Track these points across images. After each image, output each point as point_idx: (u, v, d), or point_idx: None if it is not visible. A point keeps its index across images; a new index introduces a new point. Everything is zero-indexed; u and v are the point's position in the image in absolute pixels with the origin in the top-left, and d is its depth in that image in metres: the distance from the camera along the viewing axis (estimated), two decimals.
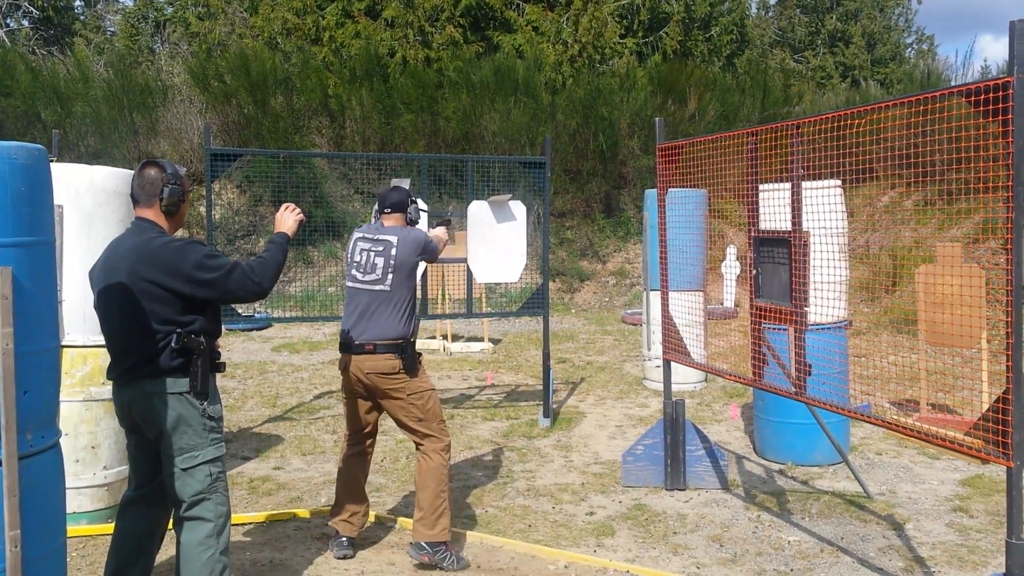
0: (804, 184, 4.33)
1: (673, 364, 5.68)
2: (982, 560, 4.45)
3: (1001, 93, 3.08)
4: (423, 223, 5.58)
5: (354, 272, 4.47)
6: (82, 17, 25.86)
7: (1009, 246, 3.10)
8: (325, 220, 14.70)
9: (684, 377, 8.36)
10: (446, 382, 9.23)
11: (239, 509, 5.21)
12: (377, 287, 4.38)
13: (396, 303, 4.36)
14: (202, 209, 14.70)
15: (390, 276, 4.37)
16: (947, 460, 6.17)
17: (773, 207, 4.61)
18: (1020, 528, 3.11)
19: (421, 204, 5.39)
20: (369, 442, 4.64)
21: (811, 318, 4.39)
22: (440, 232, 4.99)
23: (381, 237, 4.46)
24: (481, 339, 11.59)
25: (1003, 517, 3.10)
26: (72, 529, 4.63)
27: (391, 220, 4.54)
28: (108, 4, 26.48)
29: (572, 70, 18.32)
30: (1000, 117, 3.10)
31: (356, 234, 4.60)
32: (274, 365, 10.06)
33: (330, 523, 4.60)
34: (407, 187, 5.01)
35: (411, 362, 4.31)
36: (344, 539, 4.50)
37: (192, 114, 16.73)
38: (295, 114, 16.97)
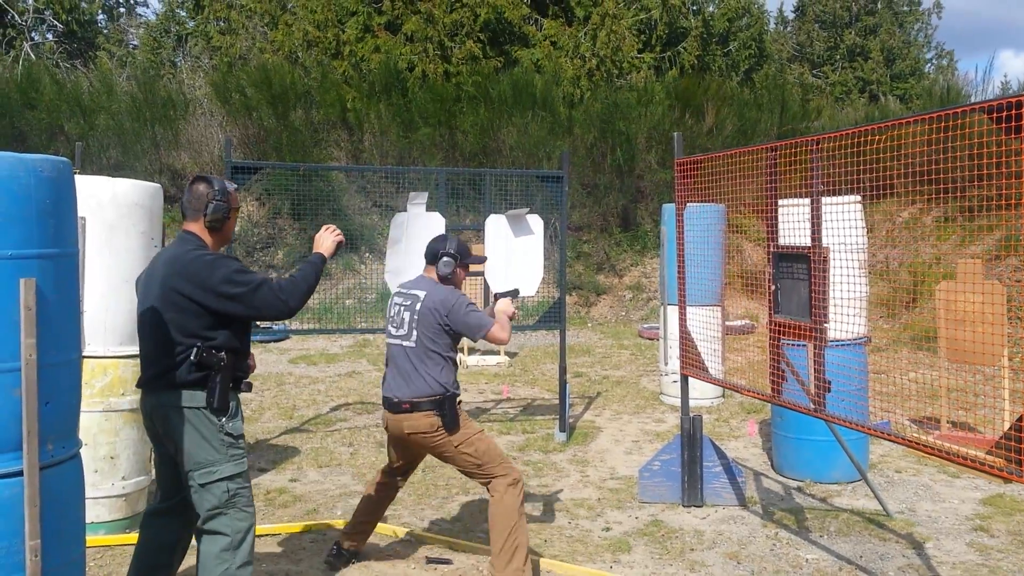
0: (824, 199, 4.31)
1: (690, 379, 5.66)
2: None
3: (1022, 110, 3.06)
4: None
5: (389, 327, 4.34)
6: (105, 31, 26.18)
7: None
8: (343, 232, 14.76)
9: (701, 392, 8.32)
10: (462, 396, 9.22)
11: (266, 521, 5.22)
12: (405, 343, 4.21)
13: (425, 359, 4.15)
14: None
15: (415, 332, 4.18)
16: (967, 479, 6.11)
17: (792, 222, 4.59)
18: None
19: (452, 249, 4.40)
20: (402, 479, 4.58)
21: (830, 334, 4.37)
22: (503, 306, 4.47)
23: (412, 292, 4.30)
24: (497, 352, 11.59)
25: None
26: (90, 539, 4.65)
27: (428, 272, 4.35)
28: (131, 18, 26.82)
29: (590, 84, 18.38)
30: (1022, 134, 3.08)
31: (395, 289, 4.51)
32: (291, 377, 10.09)
33: (342, 536, 4.60)
34: (449, 236, 4.45)
35: (450, 419, 4.12)
36: (335, 548, 4.54)
37: (213, 127, 16.90)
38: (314, 127, 17.09)
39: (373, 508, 4.56)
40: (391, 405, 4.20)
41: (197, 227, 3.52)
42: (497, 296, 4.66)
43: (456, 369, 4.32)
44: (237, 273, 3.38)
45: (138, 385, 3.51)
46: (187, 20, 24.47)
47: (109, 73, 18.36)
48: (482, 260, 4.84)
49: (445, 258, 4.27)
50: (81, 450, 2.97)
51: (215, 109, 17.30)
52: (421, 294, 4.25)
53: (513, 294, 4.64)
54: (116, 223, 4.79)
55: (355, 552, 4.57)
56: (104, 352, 4.77)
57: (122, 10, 27.42)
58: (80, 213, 4.30)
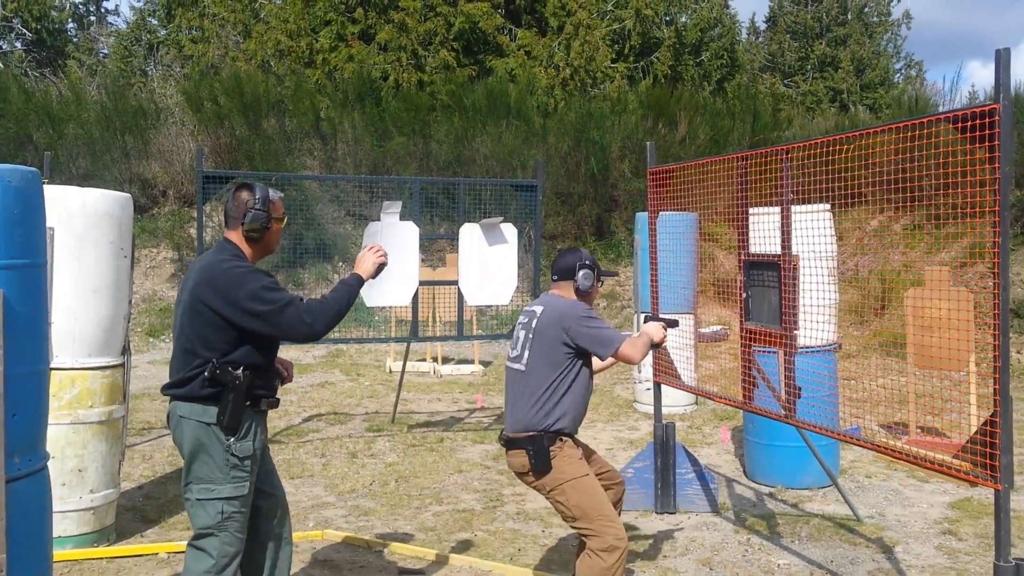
0: (794, 208, 4.36)
1: (663, 387, 5.69)
2: None
3: (987, 120, 3.12)
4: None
5: (509, 351, 3.97)
6: (75, 39, 25.95)
7: (996, 270, 3.13)
8: (316, 242, 14.70)
9: (675, 400, 8.36)
10: (436, 405, 9.21)
11: None
12: (516, 366, 3.82)
13: (534, 387, 3.70)
14: (192, 231, 14.69)
15: (527, 352, 3.76)
16: (936, 483, 6.18)
17: (763, 231, 4.64)
18: (1008, 550, 3.12)
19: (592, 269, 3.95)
20: (597, 467, 3.96)
21: (800, 341, 4.41)
22: (652, 328, 3.94)
23: (530, 308, 3.91)
24: (471, 361, 11.58)
25: (992, 540, 3.10)
26: (58, 554, 4.59)
27: (557, 289, 3.91)
28: (101, 26, 26.59)
29: (564, 94, 18.45)
30: (987, 143, 3.14)
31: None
32: None
33: None
34: (581, 252, 3.96)
35: (540, 461, 3.63)
36: None
37: (184, 136, 16.75)
38: (287, 136, 17.01)
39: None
40: (504, 440, 3.83)
41: (236, 236, 3.39)
42: (648, 317, 4.24)
43: (575, 398, 3.76)
44: (265, 290, 3.23)
45: (161, 389, 3.42)
46: (158, 28, 24.30)
47: (79, 82, 18.18)
48: (614, 274, 4.53)
49: (585, 270, 3.85)
50: (48, 463, 2.93)
51: (186, 118, 17.17)
52: (538, 309, 3.84)
53: (671, 323, 4.10)
54: (85, 233, 4.74)
55: None
56: (72, 364, 4.72)
57: (92, 18, 27.20)
58: (49, 223, 4.26)
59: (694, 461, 5.66)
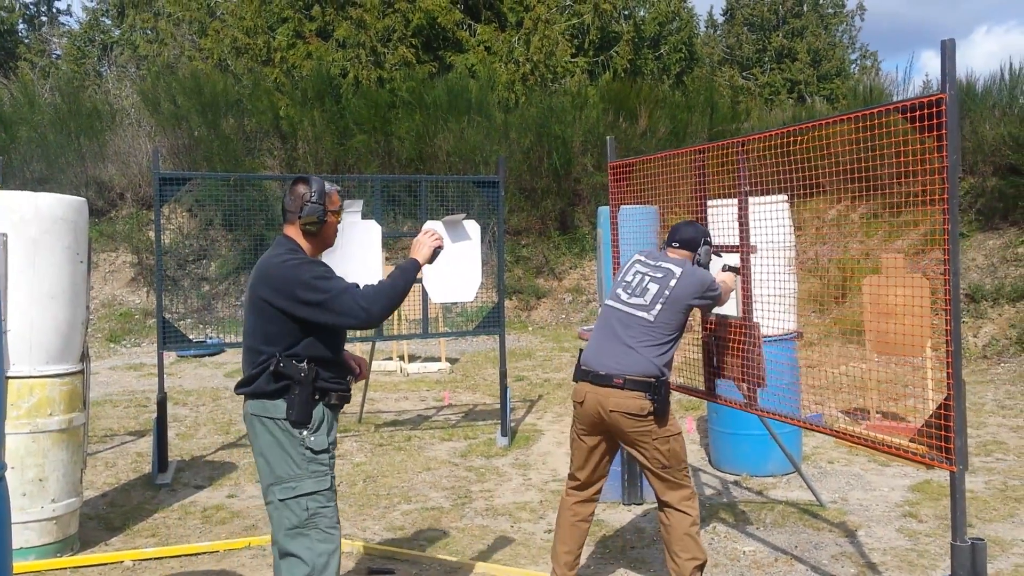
0: (751, 199, 4.41)
1: None
2: (931, 563, 4.55)
3: (935, 109, 3.18)
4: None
5: (619, 291, 4.06)
6: (26, 40, 25.44)
7: (947, 256, 3.20)
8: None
9: None
10: (403, 403, 9.19)
11: (192, 539, 5.13)
12: (640, 313, 3.92)
13: (657, 337, 3.87)
14: (151, 234, 14.49)
15: (659, 307, 3.90)
16: (897, 467, 6.30)
17: (721, 222, 4.69)
18: (964, 531, 3.19)
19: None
20: (597, 488, 4.14)
21: (761, 330, 4.46)
22: (728, 278, 4.30)
23: (664, 264, 4.04)
24: (438, 359, 11.57)
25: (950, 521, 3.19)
26: (19, 565, 4.52)
27: (676, 254, 4.13)
28: (53, 27, 26.10)
29: (524, 89, 18.47)
30: (935, 132, 3.20)
31: (635, 256, 4.21)
32: (227, 391, 9.91)
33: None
34: (699, 227, 4.26)
35: (663, 406, 3.82)
36: None
37: (141, 137, 16.52)
38: (246, 136, 16.85)
39: (573, 532, 4.09)
40: (597, 377, 3.86)
41: (293, 230, 3.38)
42: (725, 267, 4.44)
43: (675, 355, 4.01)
44: (318, 279, 3.21)
45: (234, 389, 3.38)
46: (112, 29, 23.91)
47: (31, 84, 17.84)
48: (737, 270, 4.49)
49: (707, 247, 4.15)
50: (7, 473, 2.89)
51: (143, 119, 16.94)
52: (676, 270, 3.98)
53: (735, 270, 4.40)
54: (40, 239, 4.67)
55: None
56: (30, 372, 4.64)
57: (44, 19, 26.68)
58: (1, 229, 4.20)
59: None
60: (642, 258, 4.16)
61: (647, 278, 4.02)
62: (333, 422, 3.33)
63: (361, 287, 3.28)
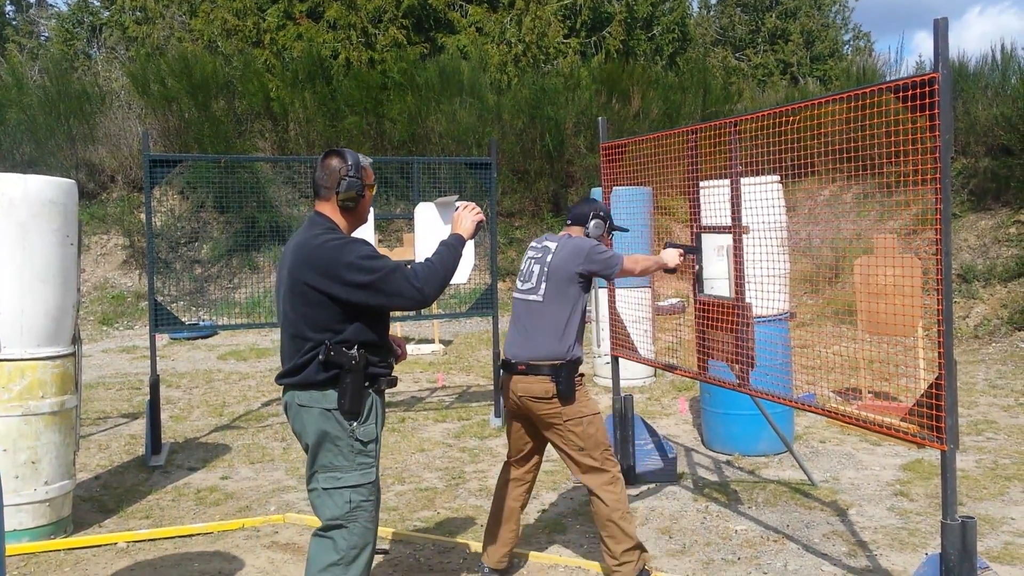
0: (743, 180, 4.41)
1: (621, 360, 5.74)
2: (922, 542, 4.58)
3: (928, 89, 3.18)
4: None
5: (517, 282, 4.13)
6: (14, 22, 25.20)
7: (939, 236, 3.20)
8: (270, 224, 14.53)
9: (633, 373, 8.45)
10: (397, 385, 9.19)
11: (186, 520, 5.14)
12: (531, 297, 3.98)
13: (551, 317, 3.90)
14: (142, 216, 14.42)
15: (544, 285, 3.94)
16: (888, 446, 6.33)
17: (714, 203, 4.69)
18: (954, 509, 3.21)
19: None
20: (531, 467, 4.18)
21: (754, 311, 4.47)
22: (668, 254, 4.40)
23: (545, 243, 4.09)
24: (432, 340, 11.57)
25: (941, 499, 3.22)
26: (12, 547, 4.53)
27: (570, 231, 4.17)
28: (41, 9, 25.86)
29: (517, 70, 18.39)
30: (927, 112, 3.20)
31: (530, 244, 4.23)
32: (220, 373, 9.92)
33: (483, 556, 4.22)
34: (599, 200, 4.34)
35: (567, 387, 3.84)
36: (487, 568, 4.16)
37: (131, 119, 16.41)
38: (237, 118, 16.74)
39: (505, 510, 4.13)
40: (508, 366, 3.96)
41: (329, 207, 3.20)
42: (668, 244, 4.47)
43: (578, 329, 3.99)
44: (366, 259, 3.03)
45: (275, 379, 3.23)
46: (101, 10, 23.69)
47: (20, 66, 17.68)
48: (626, 230, 4.57)
49: (596, 220, 4.14)
50: (0, 456, 2.88)
51: (133, 101, 16.81)
52: (553, 244, 4.04)
53: (689, 250, 4.42)
54: (29, 221, 4.64)
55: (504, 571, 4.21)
56: (21, 354, 4.62)
57: (32, 1, 26.43)
58: None
59: (653, 432, 5.73)
60: (533, 243, 4.19)
61: (532, 261, 4.09)
62: (381, 410, 3.21)
63: (408, 266, 3.15)
